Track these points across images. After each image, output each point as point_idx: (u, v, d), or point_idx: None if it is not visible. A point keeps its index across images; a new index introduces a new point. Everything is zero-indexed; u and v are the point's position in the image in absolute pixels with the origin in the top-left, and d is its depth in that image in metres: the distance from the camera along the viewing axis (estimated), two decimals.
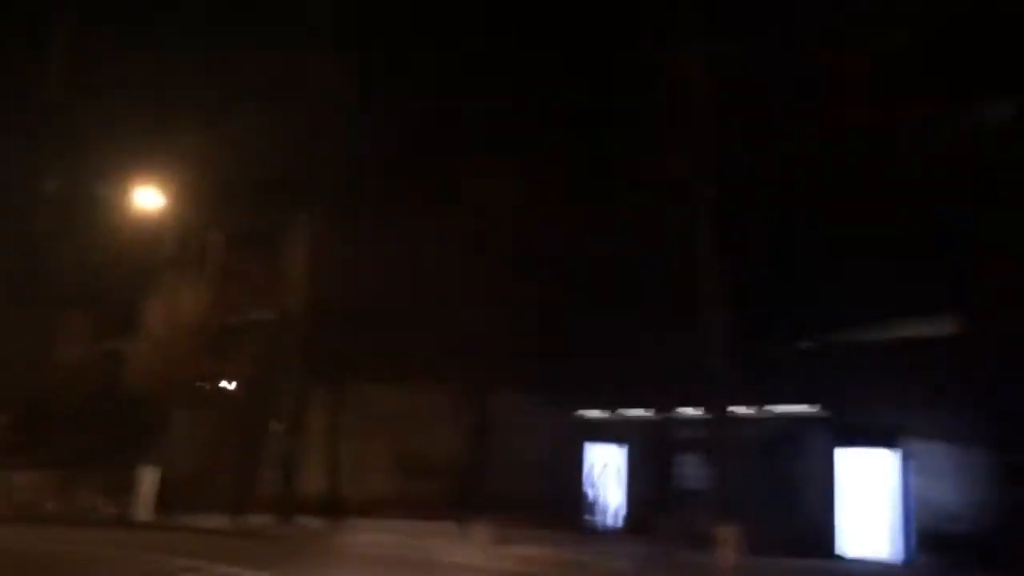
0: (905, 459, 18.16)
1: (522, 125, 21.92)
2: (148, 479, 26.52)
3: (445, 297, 23.14)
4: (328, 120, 23.96)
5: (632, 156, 19.95)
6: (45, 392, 32.30)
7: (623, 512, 23.83)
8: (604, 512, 23.98)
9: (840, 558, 18.46)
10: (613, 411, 24.27)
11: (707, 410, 17.35)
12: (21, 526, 23.49)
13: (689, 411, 20.69)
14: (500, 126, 22.32)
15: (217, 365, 27.39)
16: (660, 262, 18.48)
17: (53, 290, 31.31)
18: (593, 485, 24.39)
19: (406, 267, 23.71)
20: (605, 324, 21.45)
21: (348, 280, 24.08)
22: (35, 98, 28.83)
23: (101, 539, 18.85)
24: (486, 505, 20.00)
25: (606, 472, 24.32)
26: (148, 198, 26.47)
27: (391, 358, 25.14)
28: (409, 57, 24.26)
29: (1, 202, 28.73)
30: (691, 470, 20.79)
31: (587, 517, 23.98)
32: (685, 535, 17.52)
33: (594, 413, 24.80)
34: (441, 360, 24.34)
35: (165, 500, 26.57)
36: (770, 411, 20.28)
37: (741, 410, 19.27)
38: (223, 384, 28.41)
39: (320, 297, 24.66)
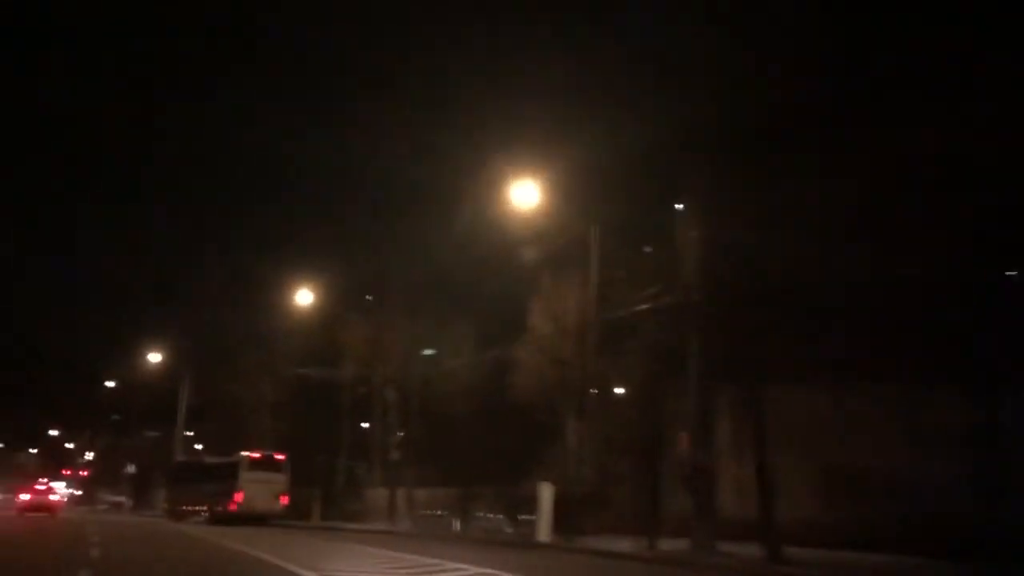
0: None
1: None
2: (547, 496, 24.47)
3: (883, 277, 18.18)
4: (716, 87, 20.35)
5: None
6: (439, 404, 32.21)
7: None
8: None
9: None
10: None
11: None
12: (433, 543, 22.78)
13: None
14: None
15: (606, 367, 24.75)
16: None
17: (442, 298, 31.39)
18: None
19: (829, 241, 19.09)
20: None
21: (752, 262, 20.02)
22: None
23: (515, 563, 16.55)
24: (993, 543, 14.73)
25: None
26: (525, 194, 24.64)
27: (812, 352, 20.57)
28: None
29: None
30: None
31: None
32: None
33: None
34: (880, 353, 19.29)
35: (563, 519, 24.50)
36: None
37: None
38: (614, 388, 25.80)
39: (719, 284, 20.90)
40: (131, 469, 63.51)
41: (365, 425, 40.71)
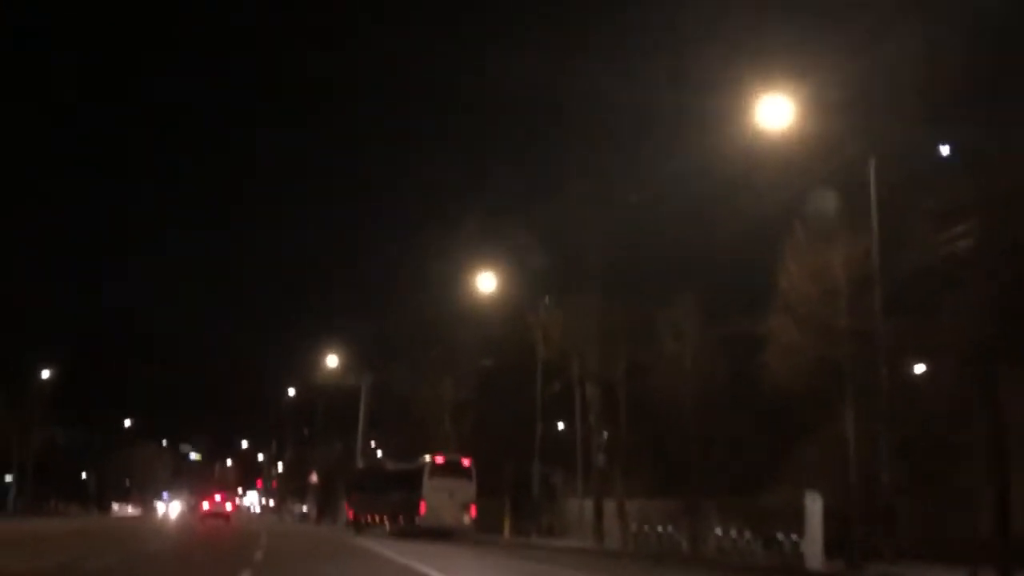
0: None
1: None
2: (816, 510, 18.39)
3: None
4: None
5: None
6: (654, 398, 26.48)
7: None
8: None
9: None
10: None
11: None
12: (666, 570, 18.49)
13: None
14: None
15: (901, 335, 18.28)
16: None
17: (656, 267, 25.68)
18: None
19: None
20: None
21: None
22: None
23: None
24: None
25: None
26: (776, 113, 18.61)
27: None
28: None
29: None
30: None
31: None
32: None
33: None
34: None
35: (838, 539, 18.39)
36: None
37: None
38: (913, 366, 19.21)
39: None
40: (314, 479, 61.50)
41: (561, 426, 35.50)
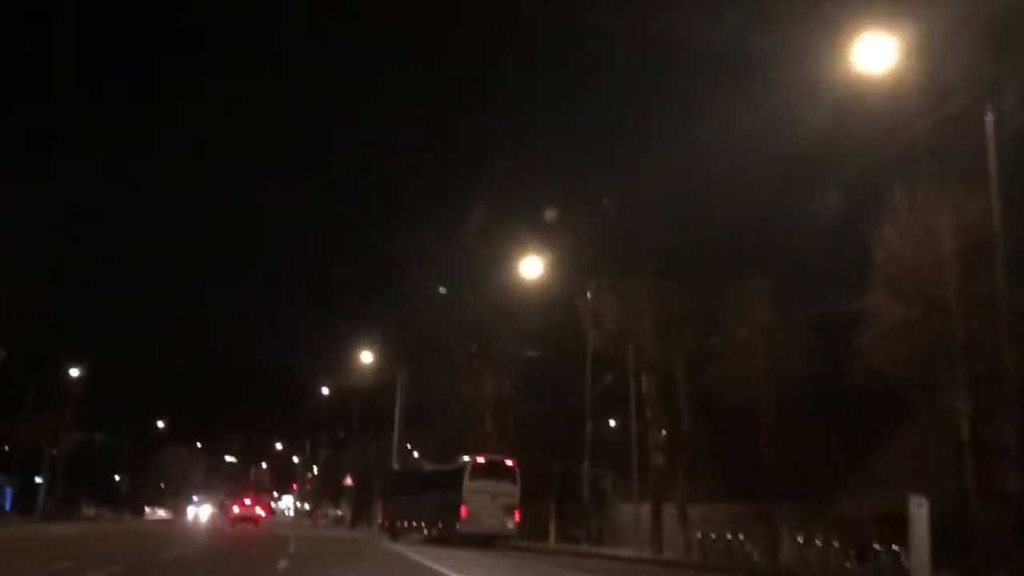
0: None
1: None
2: (922, 518, 15.66)
3: None
4: None
5: None
6: (719, 391, 23.73)
7: None
8: None
9: None
10: None
11: None
12: None
13: None
14: None
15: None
16: None
17: (721, 243, 22.93)
18: None
19: None
20: None
21: None
22: None
23: None
24: None
25: None
26: (873, 54, 15.88)
27: None
28: None
29: None
30: None
31: None
32: None
33: None
34: None
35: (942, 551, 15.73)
36: None
37: None
38: None
39: None
40: (348, 481, 59.41)
41: (612, 423, 32.82)
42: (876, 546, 17.81)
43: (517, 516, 29.88)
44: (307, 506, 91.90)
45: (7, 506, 55.44)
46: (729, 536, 22.74)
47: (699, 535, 24.19)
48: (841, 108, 17.72)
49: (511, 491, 29.76)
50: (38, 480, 56.90)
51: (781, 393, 22.06)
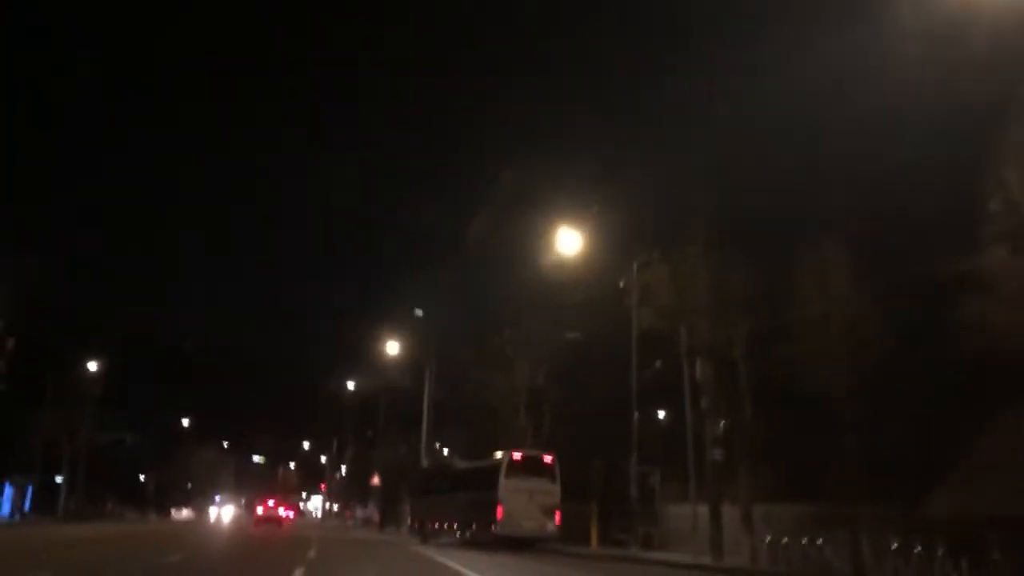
0: None
1: None
2: None
3: None
4: None
5: None
6: (786, 376, 20.81)
7: None
8: None
9: None
10: None
11: None
12: None
13: None
14: None
15: None
16: None
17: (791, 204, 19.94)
18: None
19: None
20: None
21: None
22: None
23: None
24: None
25: None
26: None
27: None
28: None
29: None
30: None
31: None
32: None
33: None
34: None
35: None
36: None
37: None
38: None
39: None
40: (375, 481, 57.10)
41: (661, 415, 29.95)
42: (996, 554, 14.87)
43: (558, 517, 27.21)
44: (335, 507, 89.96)
45: (26, 506, 53.66)
46: (804, 541, 19.82)
47: (767, 539, 21.27)
48: (945, 30, 14.82)
49: (551, 489, 27.11)
50: (59, 479, 55.15)
51: (862, 377, 19.11)
